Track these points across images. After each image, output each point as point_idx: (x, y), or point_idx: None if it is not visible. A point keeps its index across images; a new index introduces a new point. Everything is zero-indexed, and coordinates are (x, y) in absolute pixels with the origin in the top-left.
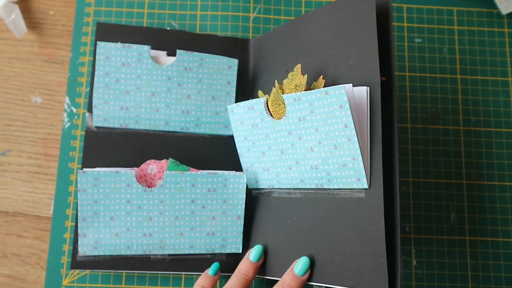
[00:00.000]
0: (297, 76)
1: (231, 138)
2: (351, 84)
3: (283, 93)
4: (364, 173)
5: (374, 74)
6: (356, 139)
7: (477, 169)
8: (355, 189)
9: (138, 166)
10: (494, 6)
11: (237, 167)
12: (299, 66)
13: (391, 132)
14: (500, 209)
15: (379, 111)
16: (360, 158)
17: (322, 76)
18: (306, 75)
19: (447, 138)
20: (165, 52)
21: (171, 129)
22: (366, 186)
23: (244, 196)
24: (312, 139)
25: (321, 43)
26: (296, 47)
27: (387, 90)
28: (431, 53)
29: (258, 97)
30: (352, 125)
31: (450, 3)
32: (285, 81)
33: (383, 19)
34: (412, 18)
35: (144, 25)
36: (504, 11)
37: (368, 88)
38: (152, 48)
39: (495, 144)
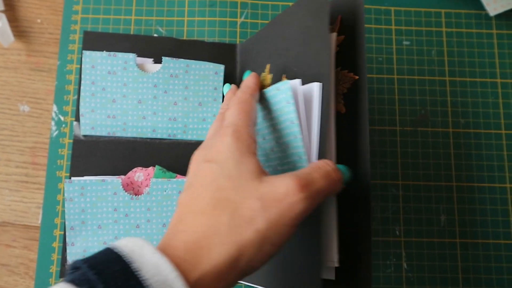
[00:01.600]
0: (266, 77)
1: None
2: (299, 80)
3: None
4: None
5: (325, 70)
6: (300, 136)
7: (467, 171)
8: None
9: (126, 174)
10: (482, 7)
11: None
12: (268, 66)
13: (364, 134)
14: (490, 210)
15: (327, 108)
16: (305, 157)
17: (284, 75)
18: (271, 74)
19: (436, 140)
20: (152, 59)
21: (158, 136)
22: None
23: None
24: (274, 137)
25: (289, 42)
26: (272, 48)
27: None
28: (420, 55)
29: None
30: (297, 121)
31: (438, 5)
32: None
33: (356, 17)
34: (400, 20)
35: (132, 32)
36: (492, 12)
37: (321, 84)
38: (139, 56)
39: (485, 145)
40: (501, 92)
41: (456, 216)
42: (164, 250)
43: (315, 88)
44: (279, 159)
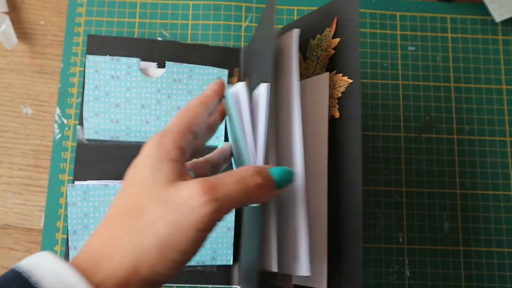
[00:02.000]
0: (233, 81)
1: None
2: (243, 83)
3: None
4: None
5: (268, 73)
6: (245, 141)
7: (471, 178)
8: None
9: None
10: (487, 13)
11: None
12: (236, 70)
13: (356, 138)
14: (494, 218)
15: (272, 109)
16: (248, 162)
17: (247, 78)
18: (236, 78)
19: (440, 147)
20: (155, 63)
21: None
22: None
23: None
24: (237, 143)
25: (260, 44)
26: (259, 52)
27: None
28: (425, 61)
29: None
30: (242, 127)
31: (443, 11)
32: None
33: (351, 19)
34: (405, 26)
35: (135, 35)
36: (498, 18)
37: (269, 84)
38: (143, 59)
39: (489, 153)
40: (506, 99)
41: (459, 223)
42: (72, 260)
43: (262, 89)
44: (242, 164)
